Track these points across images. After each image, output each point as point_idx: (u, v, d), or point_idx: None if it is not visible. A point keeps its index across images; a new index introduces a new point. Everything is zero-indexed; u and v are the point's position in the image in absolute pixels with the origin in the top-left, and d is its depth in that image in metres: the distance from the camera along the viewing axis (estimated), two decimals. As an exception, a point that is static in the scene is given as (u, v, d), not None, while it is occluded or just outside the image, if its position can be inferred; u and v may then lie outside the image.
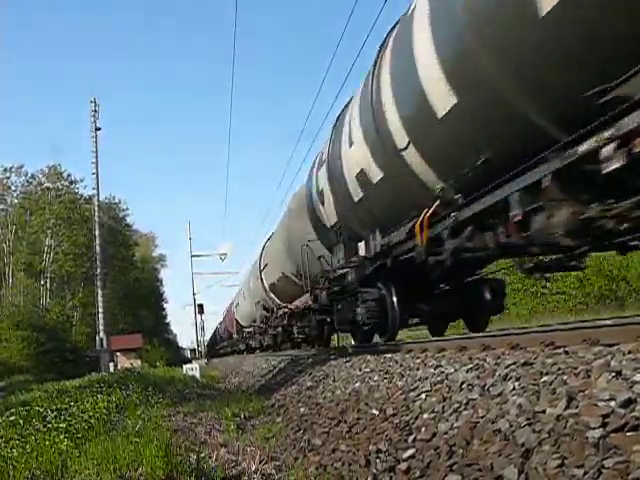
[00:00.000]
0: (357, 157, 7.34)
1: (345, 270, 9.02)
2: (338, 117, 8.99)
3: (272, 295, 17.63)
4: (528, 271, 6.49)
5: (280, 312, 16.94)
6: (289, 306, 15.38)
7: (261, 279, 18.62)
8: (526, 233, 4.47)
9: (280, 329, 17.46)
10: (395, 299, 7.62)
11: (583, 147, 3.67)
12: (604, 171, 3.44)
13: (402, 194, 6.48)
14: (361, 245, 8.09)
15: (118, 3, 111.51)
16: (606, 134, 3.45)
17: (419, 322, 9.14)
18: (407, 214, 6.46)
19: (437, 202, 5.75)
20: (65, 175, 44.84)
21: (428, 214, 5.89)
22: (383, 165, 6.64)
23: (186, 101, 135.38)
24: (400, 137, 5.94)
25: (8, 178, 44.69)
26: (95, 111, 22.67)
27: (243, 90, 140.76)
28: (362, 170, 7.20)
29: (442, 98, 4.91)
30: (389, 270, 7.40)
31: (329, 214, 9.36)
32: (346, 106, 8.63)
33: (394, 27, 6.52)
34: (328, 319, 11.35)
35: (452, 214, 5.56)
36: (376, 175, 6.87)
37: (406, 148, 5.87)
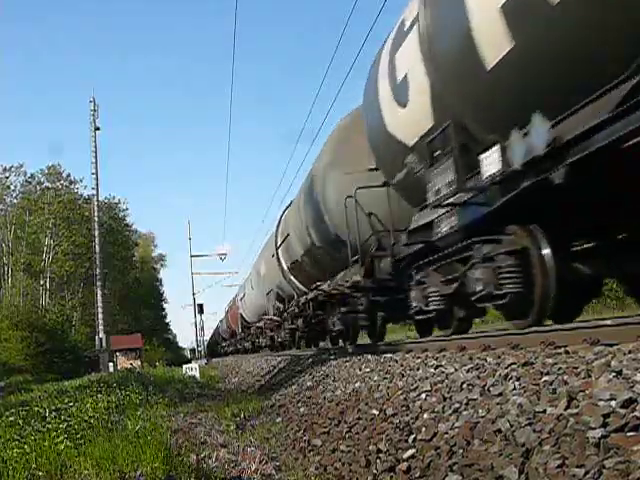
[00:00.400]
0: None
1: (439, 214, 5.66)
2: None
3: (292, 278, 13.95)
4: None
5: (302, 299, 13.30)
6: (323, 287, 10.91)
7: (277, 259, 14.68)
8: None
9: (300, 321, 14.02)
10: (549, 252, 4.35)
11: None
12: None
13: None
14: (490, 156, 4.50)
15: (118, 2, 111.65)
16: None
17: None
18: (623, 62, 3.32)
19: None
20: (65, 175, 44.94)
21: None
22: None
23: (186, 101, 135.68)
24: None
25: (7, 178, 44.77)
26: (94, 110, 22.70)
27: (243, 90, 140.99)
28: None
29: None
30: (544, 199, 4.28)
31: (415, 119, 5.66)
32: None
33: None
34: (387, 300, 8.21)
35: None
36: None
37: None
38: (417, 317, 6.90)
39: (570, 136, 3.74)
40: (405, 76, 5.72)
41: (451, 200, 5.13)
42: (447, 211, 5.50)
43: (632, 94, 3.28)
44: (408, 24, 5.74)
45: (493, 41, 4.15)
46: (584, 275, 4.79)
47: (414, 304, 6.53)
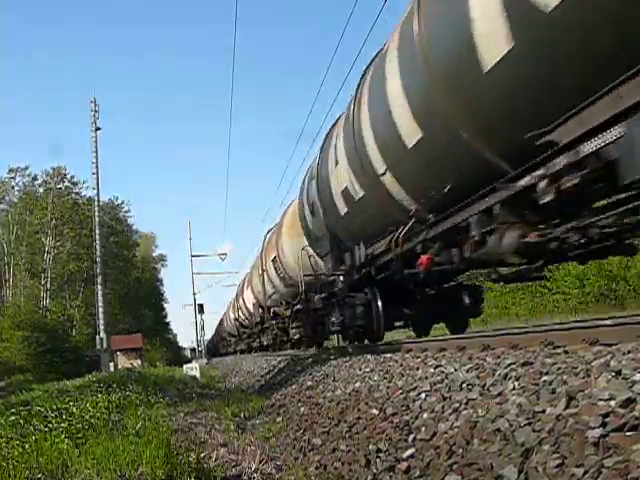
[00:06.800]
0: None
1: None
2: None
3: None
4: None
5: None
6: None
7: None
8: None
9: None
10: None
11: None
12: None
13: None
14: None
15: (118, 1, 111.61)
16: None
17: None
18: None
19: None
20: (69, 177, 44.86)
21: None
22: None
23: (186, 101, 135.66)
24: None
25: (13, 179, 44.84)
26: (95, 111, 22.68)
27: (243, 90, 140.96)
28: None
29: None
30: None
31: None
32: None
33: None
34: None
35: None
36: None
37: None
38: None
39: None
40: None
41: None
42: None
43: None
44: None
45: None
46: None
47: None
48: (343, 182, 7.97)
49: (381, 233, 7.32)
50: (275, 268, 16.15)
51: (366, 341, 9.71)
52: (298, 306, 13.60)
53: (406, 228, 6.46)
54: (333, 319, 9.73)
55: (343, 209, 8.34)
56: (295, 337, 15.22)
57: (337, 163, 8.19)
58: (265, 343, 21.75)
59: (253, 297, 22.52)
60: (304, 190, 11.09)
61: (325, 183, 8.97)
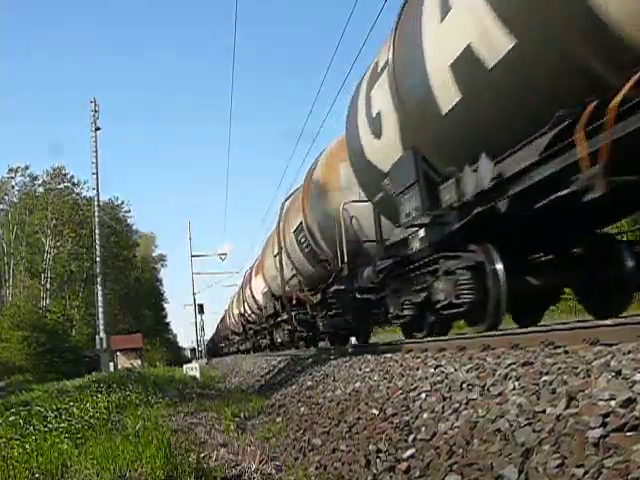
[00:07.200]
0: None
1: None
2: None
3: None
4: None
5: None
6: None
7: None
8: None
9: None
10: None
11: None
12: None
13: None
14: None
15: (118, 1, 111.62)
16: None
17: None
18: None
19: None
20: (69, 177, 44.92)
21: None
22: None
23: (186, 101, 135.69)
24: None
25: (12, 178, 44.93)
26: (95, 111, 22.71)
27: (243, 90, 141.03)
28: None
29: None
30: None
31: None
32: None
33: None
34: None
35: None
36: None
37: None
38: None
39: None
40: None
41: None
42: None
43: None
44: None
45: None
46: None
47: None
48: (462, 41, 4.40)
49: (528, 132, 4.09)
50: (299, 241, 11.96)
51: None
52: (335, 287, 10.18)
53: (623, 91, 3.13)
54: (404, 299, 6.55)
55: (452, 99, 4.78)
56: (327, 330, 11.98)
57: (447, 13, 4.61)
58: (279, 340, 17.95)
59: (264, 285, 18.55)
60: (356, 106, 7.29)
61: (412, 63, 5.35)
